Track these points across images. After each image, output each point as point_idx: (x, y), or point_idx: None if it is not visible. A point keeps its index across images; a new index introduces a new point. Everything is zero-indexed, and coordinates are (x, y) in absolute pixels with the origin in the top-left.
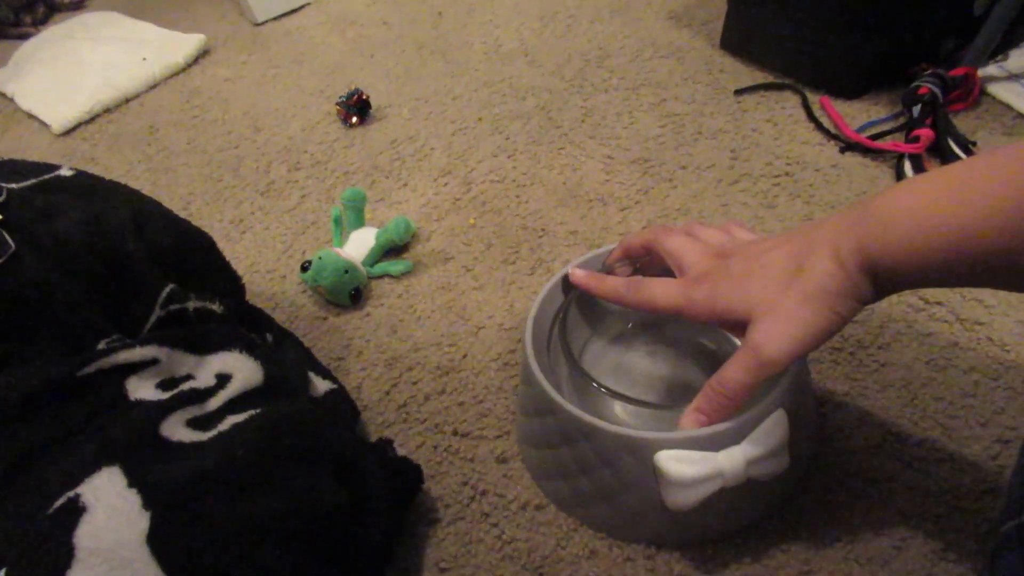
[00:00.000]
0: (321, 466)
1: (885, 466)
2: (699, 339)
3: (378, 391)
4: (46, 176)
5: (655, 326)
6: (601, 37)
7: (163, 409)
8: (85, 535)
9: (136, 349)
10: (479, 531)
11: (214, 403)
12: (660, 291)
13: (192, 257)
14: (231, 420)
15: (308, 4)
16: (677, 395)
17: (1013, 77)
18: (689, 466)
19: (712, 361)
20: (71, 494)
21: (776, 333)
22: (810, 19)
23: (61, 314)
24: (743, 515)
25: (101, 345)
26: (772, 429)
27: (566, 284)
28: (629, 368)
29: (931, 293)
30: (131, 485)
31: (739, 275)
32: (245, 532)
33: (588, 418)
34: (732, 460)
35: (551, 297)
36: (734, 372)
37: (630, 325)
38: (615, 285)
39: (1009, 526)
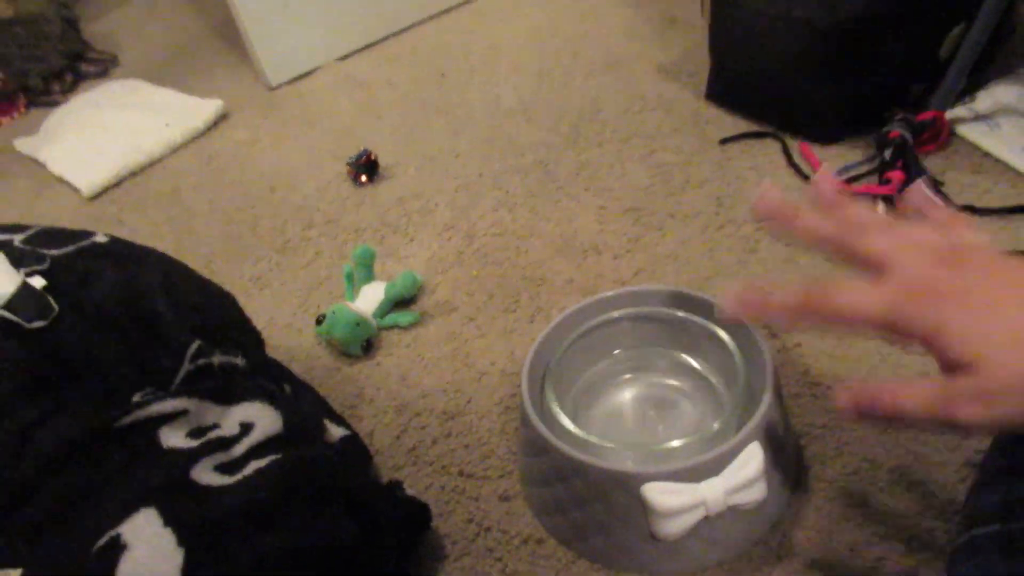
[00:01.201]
0: (336, 506)
1: (861, 492)
2: (699, 371)
3: (389, 436)
4: (83, 243)
5: (645, 365)
6: (594, 92)
7: (193, 456)
8: (126, 570)
9: (167, 401)
10: (484, 565)
11: (239, 449)
12: (857, 298)
13: (217, 315)
14: (254, 465)
15: (319, 68)
16: (662, 431)
17: (980, 117)
18: (673, 497)
19: (705, 391)
20: (113, 533)
21: (996, 405)
22: (785, 71)
23: (99, 370)
24: (729, 543)
25: (136, 398)
26: (748, 461)
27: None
28: (619, 406)
29: None
30: (166, 524)
31: (976, 302)
32: (269, 566)
33: (579, 455)
34: (713, 490)
35: (547, 343)
36: (909, 390)
37: (621, 370)
38: (785, 298)
39: (963, 538)
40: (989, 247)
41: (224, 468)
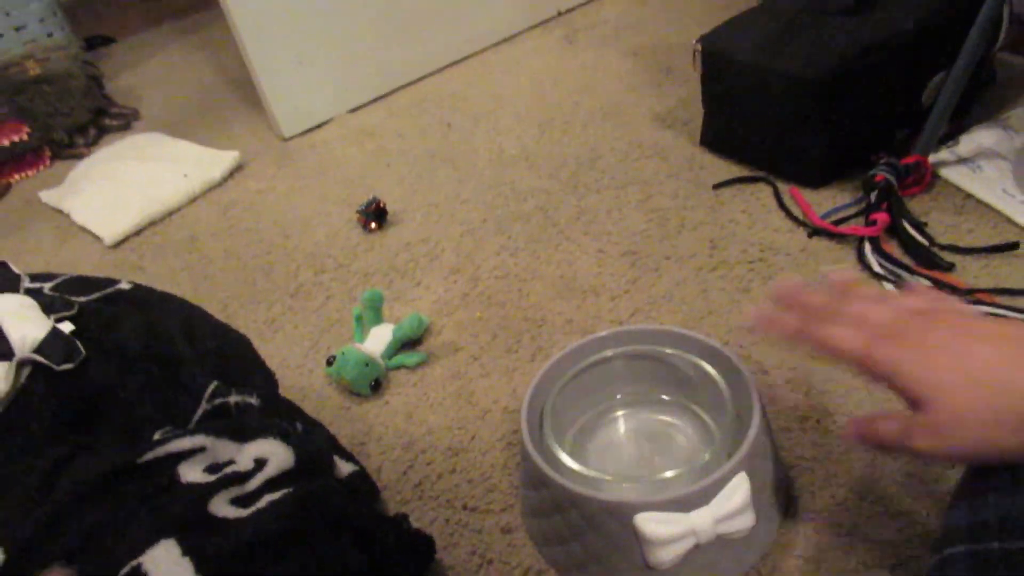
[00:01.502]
0: (346, 538)
1: (848, 521)
2: (691, 407)
3: (396, 471)
4: (108, 290)
5: (639, 401)
6: (593, 140)
7: (210, 490)
8: None
9: (186, 439)
10: None
11: (253, 484)
12: (841, 334)
13: (233, 357)
14: (268, 498)
15: (331, 120)
16: (657, 462)
17: (963, 161)
18: (664, 526)
19: (698, 426)
20: (135, 563)
21: (946, 438)
22: (773, 120)
23: (123, 409)
24: (721, 570)
25: (156, 436)
26: (735, 491)
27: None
28: (615, 439)
29: None
30: (185, 554)
31: (933, 347)
32: None
33: (574, 487)
34: (702, 519)
35: (545, 381)
36: (884, 422)
37: (616, 405)
38: (795, 322)
39: (937, 557)
40: (966, 308)
41: (239, 501)
